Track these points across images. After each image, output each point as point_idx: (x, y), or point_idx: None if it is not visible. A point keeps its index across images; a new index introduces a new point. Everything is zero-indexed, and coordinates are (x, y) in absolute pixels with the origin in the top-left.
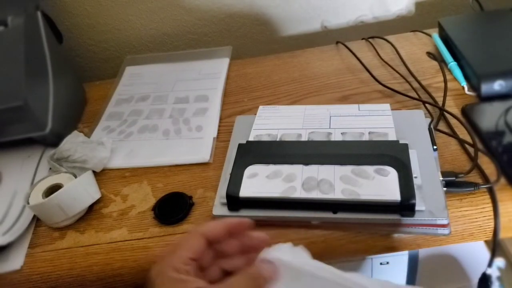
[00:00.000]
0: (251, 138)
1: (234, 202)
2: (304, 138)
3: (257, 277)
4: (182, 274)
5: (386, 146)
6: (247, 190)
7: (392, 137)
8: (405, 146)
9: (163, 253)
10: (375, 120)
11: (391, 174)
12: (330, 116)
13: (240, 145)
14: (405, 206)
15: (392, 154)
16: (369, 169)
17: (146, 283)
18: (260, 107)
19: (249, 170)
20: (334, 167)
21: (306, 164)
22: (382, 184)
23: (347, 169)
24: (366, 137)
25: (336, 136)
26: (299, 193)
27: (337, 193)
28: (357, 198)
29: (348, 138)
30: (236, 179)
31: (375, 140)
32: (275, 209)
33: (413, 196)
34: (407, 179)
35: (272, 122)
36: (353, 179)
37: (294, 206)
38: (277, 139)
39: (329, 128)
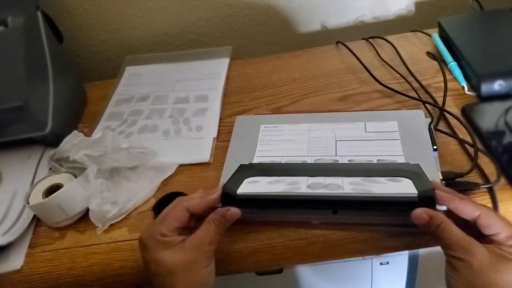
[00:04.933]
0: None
1: (230, 200)
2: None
3: (220, 218)
4: (167, 238)
5: (397, 165)
6: (245, 189)
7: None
8: (417, 166)
9: (153, 222)
10: (383, 147)
11: (405, 181)
12: (336, 141)
13: (241, 166)
14: (425, 198)
15: (405, 169)
16: (380, 179)
17: (139, 245)
18: (262, 126)
19: (250, 179)
20: (343, 178)
21: (312, 176)
22: (395, 186)
23: (357, 178)
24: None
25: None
26: (305, 190)
27: (346, 189)
28: (371, 194)
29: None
30: (235, 179)
31: (385, 162)
32: (275, 208)
33: (432, 190)
34: (423, 182)
35: (275, 148)
36: (363, 185)
37: (295, 204)
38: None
39: (336, 155)
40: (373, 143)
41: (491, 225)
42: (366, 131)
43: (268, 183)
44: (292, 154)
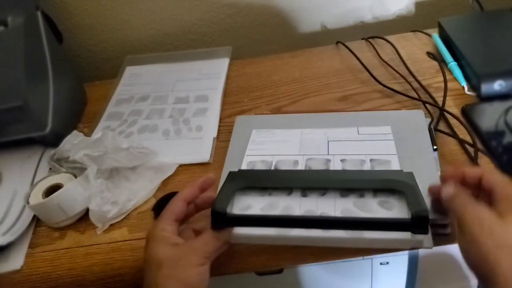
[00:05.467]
0: (243, 166)
1: (220, 219)
2: (301, 165)
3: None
4: (166, 232)
5: (390, 175)
6: (237, 208)
7: (395, 165)
8: (411, 176)
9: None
10: (376, 146)
11: (396, 208)
12: (328, 141)
13: (230, 174)
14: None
15: (398, 180)
16: (372, 202)
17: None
18: (254, 131)
19: (242, 201)
20: (335, 200)
21: (304, 195)
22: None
23: (349, 202)
24: (367, 165)
25: (336, 163)
26: (298, 231)
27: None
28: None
29: (348, 165)
30: (225, 194)
31: (377, 169)
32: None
33: (425, 211)
34: (415, 200)
35: (267, 147)
36: (354, 213)
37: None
38: (272, 166)
39: (328, 154)
40: (366, 143)
41: (489, 181)
42: (358, 134)
43: (261, 211)
44: (283, 153)
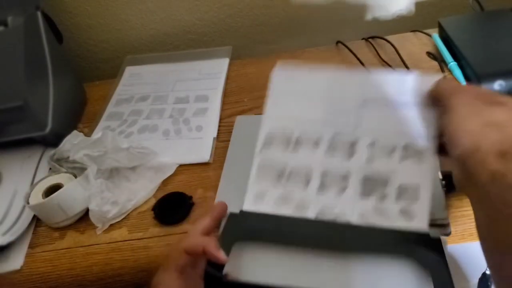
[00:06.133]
0: (261, 137)
1: (215, 283)
2: (321, 147)
3: None
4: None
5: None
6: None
7: (428, 158)
8: (439, 246)
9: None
10: (416, 121)
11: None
12: (360, 104)
13: (231, 218)
14: None
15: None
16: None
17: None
18: (275, 71)
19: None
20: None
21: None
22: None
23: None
24: (398, 153)
25: (361, 149)
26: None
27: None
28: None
29: (375, 152)
30: (221, 245)
31: (397, 230)
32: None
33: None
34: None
35: (288, 106)
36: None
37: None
38: (291, 144)
39: (355, 128)
40: (403, 114)
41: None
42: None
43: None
44: (306, 118)
